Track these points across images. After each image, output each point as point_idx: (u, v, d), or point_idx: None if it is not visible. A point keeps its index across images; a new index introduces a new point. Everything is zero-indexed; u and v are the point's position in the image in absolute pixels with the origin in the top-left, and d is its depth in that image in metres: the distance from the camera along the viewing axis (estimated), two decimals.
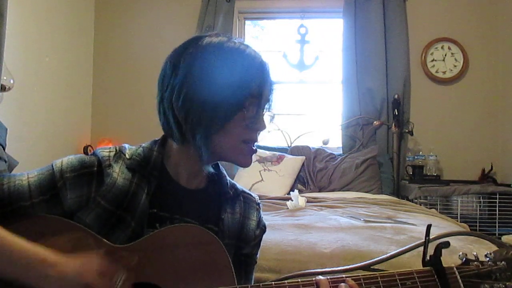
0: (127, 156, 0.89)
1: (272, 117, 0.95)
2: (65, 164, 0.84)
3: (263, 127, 0.89)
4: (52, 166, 0.85)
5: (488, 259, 0.87)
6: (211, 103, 0.83)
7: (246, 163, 0.90)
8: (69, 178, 0.82)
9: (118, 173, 0.86)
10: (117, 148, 0.90)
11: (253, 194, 1.03)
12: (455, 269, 0.86)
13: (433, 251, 0.88)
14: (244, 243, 0.96)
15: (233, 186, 0.99)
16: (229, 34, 0.92)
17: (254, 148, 0.90)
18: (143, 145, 0.93)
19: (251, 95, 0.85)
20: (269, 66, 0.90)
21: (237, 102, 0.84)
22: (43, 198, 0.81)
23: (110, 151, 0.89)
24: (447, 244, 0.87)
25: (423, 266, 0.88)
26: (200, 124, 0.83)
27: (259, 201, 1.04)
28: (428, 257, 0.88)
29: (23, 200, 0.80)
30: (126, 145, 0.93)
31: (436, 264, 0.86)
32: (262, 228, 1.02)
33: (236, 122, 0.84)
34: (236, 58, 0.86)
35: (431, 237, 1.16)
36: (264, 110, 0.90)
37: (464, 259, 0.88)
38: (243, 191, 1.01)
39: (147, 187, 0.87)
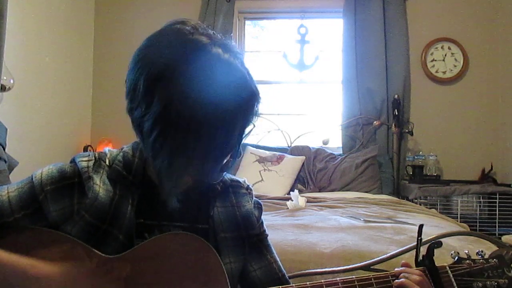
0: (107, 163, 0.85)
1: (252, 128, 0.84)
2: (45, 175, 0.81)
3: (238, 155, 0.82)
4: (32, 178, 0.81)
5: (480, 256, 0.88)
6: (190, 149, 0.74)
7: (216, 180, 0.88)
8: (50, 190, 0.79)
9: (100, 185, 0.82)
10: (96, 156, 0.86)
11: (240, 180, 0.99)
12: (447, 268, 0.86)
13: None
14: (250, 229, 0.94)
15: (221, 180, 0.94)
16: (220, 36, 0.78)
17: (227, 167, 0.84)
18: (124, 148, 0.88)
19: (236, 134, 0.77)
20: (257, 95, 0.79)
21: (222, 146, 0.76)
22: (26, 213, 0.79)
23: (89, 160, 0.84)
24: (439, 244, 0.88)
25: (416, 266, 0.89)
26: (170, 169, 0.76)
27: (247, 183, 1.00)
28: (421, 257, 0.89)
29: (5, 217, 0.78)
30: (107, 149, 0.89)
31: (429, 264, 0.87)
32: (258, 206, 0.99)
33: (208, 155, 0.77)
34: (229, 90, 0.73)
35: (431, 238, 1.16)
36: (243, 137, 0.81)
37: (457, 257, 0.88)
38: (232, 180, 0.97)
39: (131, 197, 0.83)
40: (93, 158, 0.85)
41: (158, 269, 0.79)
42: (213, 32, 0.78)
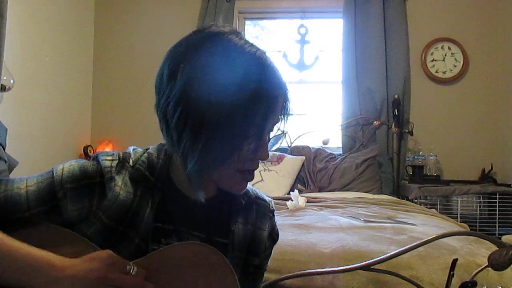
0: (130, 163, 0.83)
1: (282, 135, 0.85)
2: (66, 172, 0.78)
3: (266, 156, 0.80)
4: (53, 173, 0.79)
5: None
6: (210, 130, 0.73)
7: (239, 190, 0.84)
8: (70, 189, 0.77)
9: (121, 186, 0.79)
10: (120, 156, 0.83)
11: (267, 200, 0.96)
12: None
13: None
14: (253, 255, 0.90)
15: (246, 194, 0.91)
16: (240, 33, 0.80)
17: (251, 175, 0.82)
18: (149, 150, 0.86)
19: (257, 123, 0.75)
20: (286, 84, 0.83)
21: (241, 132, 0.74)
22: (42, 209, 0.77)
23: (113, 159, 0.81)
24: (474, 284, 0.83)
25: None
26: (193, 150, 0.74)
27: (273, 207, 0.97)
28: None
29: (20, 211, 0.76)
30: (131, 148, 0.87)
31: None
32: (273, 237, 0.96)
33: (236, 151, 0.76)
34: (249, 74, 0.73)
35: (430, 238, 1.16)
36: (270, 135, 0.81)
37: None
38: (257, 197, 0.94)
39: (151, 199, 0.81)
40: (117, 158, 0.82)
41: (171, 280, 0.77)
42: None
